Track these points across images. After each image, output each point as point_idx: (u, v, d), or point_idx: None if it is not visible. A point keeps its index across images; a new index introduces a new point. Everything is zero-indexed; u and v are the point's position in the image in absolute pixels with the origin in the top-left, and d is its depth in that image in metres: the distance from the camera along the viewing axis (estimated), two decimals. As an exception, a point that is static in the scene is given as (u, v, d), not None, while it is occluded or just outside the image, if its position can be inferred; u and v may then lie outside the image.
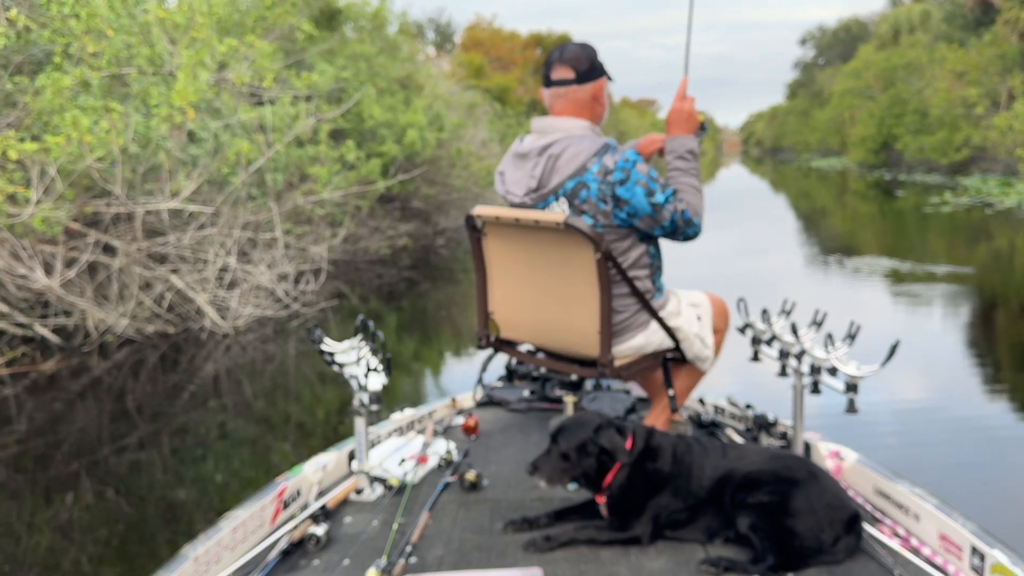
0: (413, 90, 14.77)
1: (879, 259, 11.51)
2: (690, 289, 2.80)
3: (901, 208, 20.49)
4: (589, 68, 2.44)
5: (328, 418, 5.29)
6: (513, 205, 2.55)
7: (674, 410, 2.70)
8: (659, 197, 2.36)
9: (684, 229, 2.45)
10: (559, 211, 2.41)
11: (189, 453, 4.68)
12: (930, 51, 33.43)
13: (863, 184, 30.45)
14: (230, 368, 6.39)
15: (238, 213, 8.13)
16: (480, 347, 2.81)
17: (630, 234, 2.43)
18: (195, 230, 7.60)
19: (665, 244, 2.61)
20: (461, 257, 12.78)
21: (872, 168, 38.17)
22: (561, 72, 2.44)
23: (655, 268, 2.55)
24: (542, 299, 2.57)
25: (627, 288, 2.45)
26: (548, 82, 2.47)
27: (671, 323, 2.56)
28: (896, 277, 9.86)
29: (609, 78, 2.56)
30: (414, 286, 10.22)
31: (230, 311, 7.46)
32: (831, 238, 15.56)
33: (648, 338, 2.55)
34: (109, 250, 7.16)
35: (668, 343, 2.60)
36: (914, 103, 33.44)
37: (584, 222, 2.30)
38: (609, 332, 2.41)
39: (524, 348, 2.85)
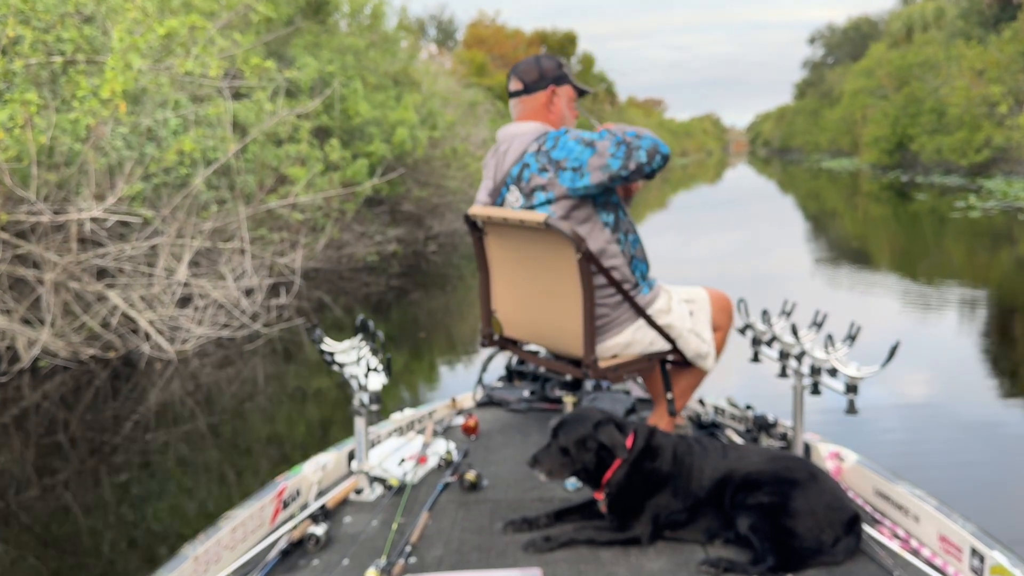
0: (408, 87, 14.54)
1: (918, 282, 10.08)
2: (689, 285, 2.85)
3: (924, 212, 19.64)
4: (537, 79, 2.64)
5: (293, 454, 4.66)
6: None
7: (672, 414, 2.76)
8: (592, 136, 2.47)
9: (639, 142, 2.39)
10: (512, 199, 2.58)
11: (130, 493, 4.21)
12: (947, 48, 33.21)
13: (877, 186, 30.27)
14: (180, 396, 5.81)
15: (196, 220, 7.50)
16: (483, 345, 2.91)
17: (592, 215, 2.50)
18: (145, 239, 6.94)
19: (649, 238, 2.68)
20: (457, 262, 12.53)
21: (886, 169, 38.01)
22: (513, 84, 2.69)
23: (629, 257, 2.60)
24: (535, 298, 2.67)
25: (606, 281, 2.53)
26: (508, 94, 2.71)
27: (660, 321, 2.62)
28: (943, 305, 8.50)
29: (579, 90, 2.71)
30: (404, 295, 9.81)
31: (180, 332, 6.80)
32: (851, 250, 14.03)
33: (634, 335, 2.61)
34: (41, 263, 6.47)
35: (661, 344, 2.66)
36: (930, 102, 33.17)
37: (563, 223, 2.40)
38: (592, 332, 2.48)
39: (525, 347, 2.93)
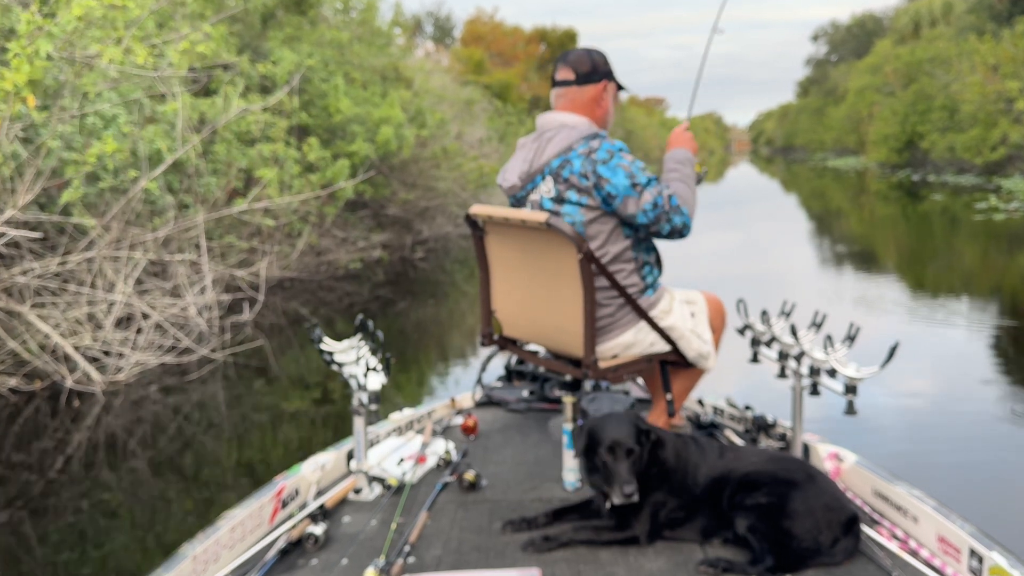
0: (400, 83, 14.26)
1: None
2: (685, 288, 2.93)
3: (943, 214, 18.89)
4: (590, 71, 2.65)
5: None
6: (507, 190, 2.76)
7: (671, 415, 2.82)
8: (641, 179, 2.51)
9: (671, 216, 2.55)
10: (545, 189, 2.61)
11: (62, 546, 3.76)
12: (958, 43, 33.00)
13: (886, 185, 30.19)
14: (118, 431, 5.23)
15: (139, 228, 6.83)
16: (483, 345, 2.97)
17: (616, 226, 2.57)
18: (80, 251, 6.26)
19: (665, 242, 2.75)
20: (449, 267, 12.30)
21: (895, 168, 37.91)
22: (563, 73, 2.67)
23: (641, 263, 2.67)
24: (535, 298, 2.72)
25: (609, 284, 2.58)
26: (553, 82, 2.71)
27: (663, 323, 2.69)
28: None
29: (620, 86, 2.76)
30: (390, 305, 9.35)
31: (116, 358, 5.99)
32: (870, 256, 12.98)
33: (636, 336, 2.67)
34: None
35: (661, 345, 2.73)
36: (941, 99, 32.92)
37: (565, 223, 2.46)
38: (593, 333, 2.54)
39: (525, 347, 3.00)
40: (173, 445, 5.10)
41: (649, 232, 2.60)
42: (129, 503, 4.27)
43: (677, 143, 2.80)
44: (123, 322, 6.45)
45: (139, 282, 6.83)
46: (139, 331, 6.30)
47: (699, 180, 2.81)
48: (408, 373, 6.62)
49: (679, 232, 2.60)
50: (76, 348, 5.86)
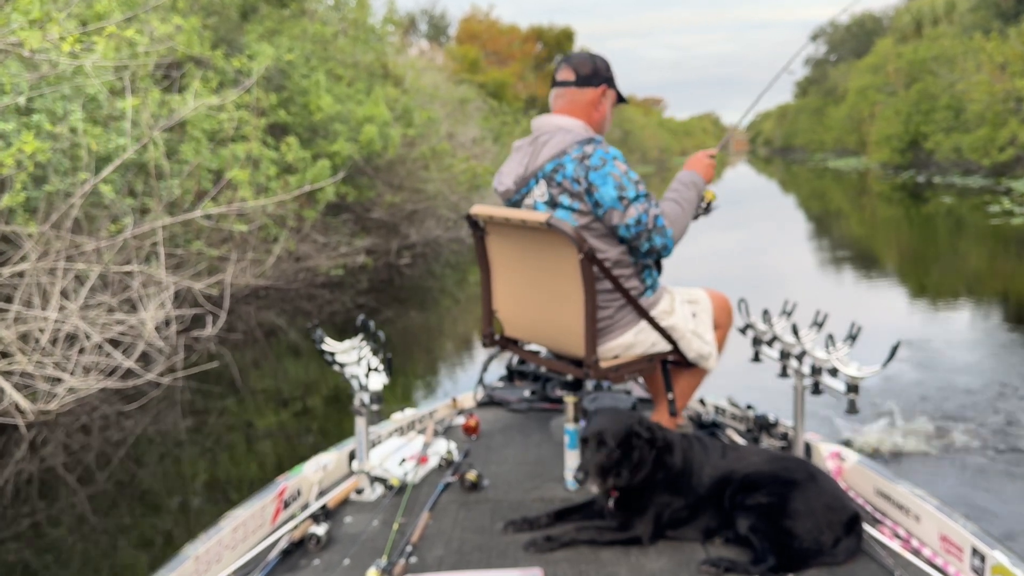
0: (388, 80, 14.06)
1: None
2: (689, 286, 2.96)
3: (955, 218, 18.29)
4: (590, 74, 2.69)
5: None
6: (502, 193, 2.80)
7: (673, 414, 2.87)
8: (629, 193, 2.53)
9: (652, 235, 2.57)
10: (539, 193, 2.65)
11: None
12: (963, 42, 32.93)
13: (890, 186, 30.13)
14: (56, 465, 4.85)
15: (91, 236, 6.35)
16: (485, 345, 3.02)
17: (609, 231, 2.61)
18: (14, 263, 5.81)
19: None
20: (439, 272, 12.08)
21: (898, 169, 37.91)
22: (564, 74, 2.71)
23: (641, 267, 2.70)
24: (536, 298, 2.76)
25: (611, 285, 2.62)
26: (553, 82, 2.75)
27: (664, 323, 2.72)
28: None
29: (620, 97, 2.80)
30: (374, 314, 8.54)
31: (59, 384, 5.44)
32: (886, 270, 12.09)
33: (636, 337, 2.71)
34: None
35: (663, 345, 2.76)
36: (945, 99, 32.90)
37: (566, 223, 2.49)
38: (594, 333, 2.57)
39: (526, 347, 3.05)
40: (115, 479, 4.68)
41: (629, 247, 2.63)
42: (70, 543, 3.95)
43: (692, 165, 2.83)
44: (66, 342, 5.85)
45: (89, 296, 6.29)
46: (82, 351, 5.72)
47: (707, 209, 2.84)
48: (393, 387, 6.23)
49: (658, 252, 2.62)
50: (7, 374, 5.26)
